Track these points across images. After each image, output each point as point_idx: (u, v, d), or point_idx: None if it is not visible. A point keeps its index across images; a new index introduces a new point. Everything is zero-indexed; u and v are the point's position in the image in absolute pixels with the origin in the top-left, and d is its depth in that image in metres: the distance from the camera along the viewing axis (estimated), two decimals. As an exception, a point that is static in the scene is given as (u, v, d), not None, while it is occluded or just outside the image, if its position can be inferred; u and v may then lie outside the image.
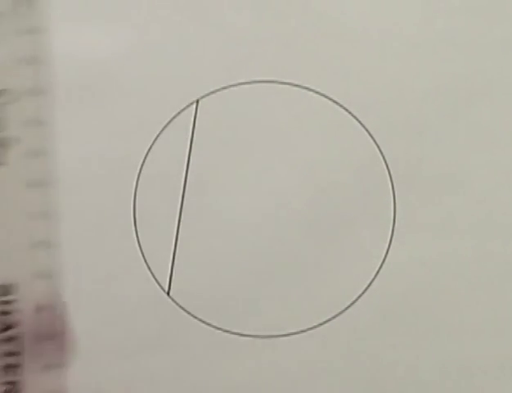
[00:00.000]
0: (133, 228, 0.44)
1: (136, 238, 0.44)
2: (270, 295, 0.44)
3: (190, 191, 0.44)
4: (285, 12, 0.44)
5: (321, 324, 0.44)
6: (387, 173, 0.44)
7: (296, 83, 0.44)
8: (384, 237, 0.44)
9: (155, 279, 0.44)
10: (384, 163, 0.45)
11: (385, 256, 0.44)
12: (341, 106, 0.45)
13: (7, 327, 0.43)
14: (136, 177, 0.44)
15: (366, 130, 0.45)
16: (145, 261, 0.44)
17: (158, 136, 0.44)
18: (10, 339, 0.43)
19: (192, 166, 0.44)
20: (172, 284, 0.44)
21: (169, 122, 0.44)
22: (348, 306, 0.44)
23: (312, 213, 0.44)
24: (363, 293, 0.44)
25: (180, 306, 0.44)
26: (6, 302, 0.43)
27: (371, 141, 0.45)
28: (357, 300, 0.44)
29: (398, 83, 0.45)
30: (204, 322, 0.44)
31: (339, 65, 0.45)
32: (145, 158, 0.44)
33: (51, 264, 0.43)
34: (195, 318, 0.44)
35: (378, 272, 0.44)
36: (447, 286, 0.44)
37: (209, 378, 0.44)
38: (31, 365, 0.43)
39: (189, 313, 0.44)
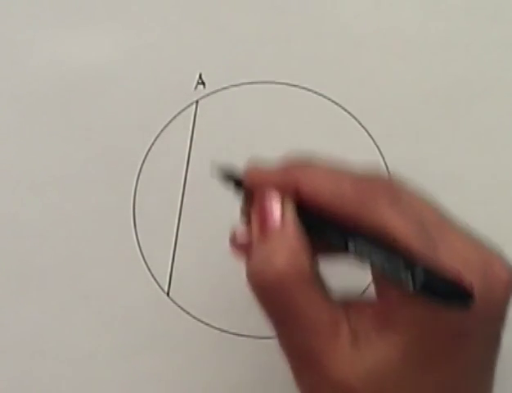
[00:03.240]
0: (133, 228, 0.44)
1: (136, 238, 0.44)
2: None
3: (190, 191, 0.44)
4: (285, 13, 0.45)
5: (320, 324, 0.44)
6: (386, 173, 0.44)
7: (295, 83, 0.45)
8: (383, 237, 0.44)
9: (155, 279, 0.44)
10: (383, 164, 0.45)
11: (385, 256, 0.44)
12: (341, 107, 0.45)
13: None
14: (136, 177, 0.44)
15: (366, 131, 0.45)
16: (145, 261, 0.44)
17: (158, 136, 0.44)
18: None
19: (192, 166, 0.44)
20: (171, 284, 0.44)
21: (169, 122, 0.44)
22: (348, 306, 0.44)
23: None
24: (363, 293, 0.44)
25: (179, 306, 0.44)
26: None
27: (371, 142, 0.45)
28: (356, 300, 0.44)
29: (398, 84, 0.45)
30: (202, 322, 0.44)
31: (340, 66, 0.45)
32: (145, 158, 0.44)
33: None
34: (194, 318, 0.44)
35: (378, 272, 0.44)
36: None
37: (207, 377, 0.44)
38: None
39: (188, 313, 0.44)
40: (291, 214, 0.35)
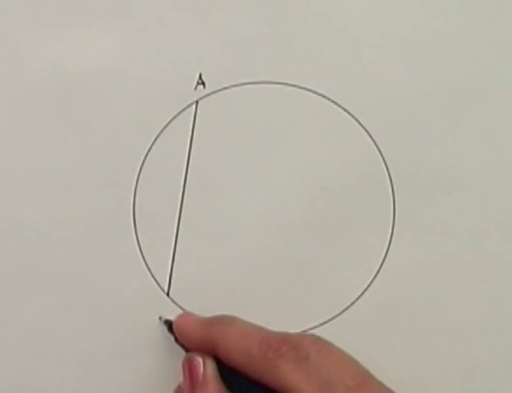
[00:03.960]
0: (133, 228, 0.44)
1: (136, 238, 0.44)
2: (270, 296, 0.44)
3: (190, 191, 0.44)
4: (284, 13, 0.44)
5: (321, 324, 0.44)
6: (386, 174, 0.44)
7: (295, 83, 0.45)
8: (383, 237, 0.44)
9: (155, 279, 0.44)
10: (383, 164, 0.45)
11: (385, 256, 0.44)
12: (341, 107, 0.45)
13: None
14: (136, 177, 0.44)
15: (366, 131, 0.45)
16: (145, 261, 0.44)
17: (158, 136, 0.44)
18: None
19: (192, 166, 0.44)
20: (171, 284, 0.44)
21: (169, 122, 0.44)
22: (348, 306, 0.44)
23: (312, 213, 0.44)
24: (363, 293, 0.44)
25: (179, 306, 0.44)
26: None
27: (371, 142, 0.45)
28: (357, 300, 0.44)
29: (398, 84, 0.45)
30: (203, 322, 0.44)
31: (340, 66, 0.45)
32: (145, 158, 0.44)
33: None
34: (195, 318, 0.44)
35: (378, 272, 0.44)
36: (446, 286, 0.44)
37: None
38: None
39: (188, 313, 0.44)
40: (212, 372, 0.40)
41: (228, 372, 0.39)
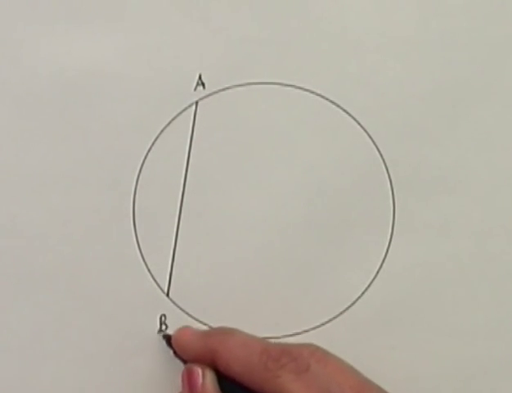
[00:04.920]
0: (133, 228, 0.44)
1: (136, 238, 0.44)
2: (270, 296, 0.44)
3: (190, 191, 0.44)
4: (284, 14, 0.45)
5: (322, 324, 0.44)
6: (386, 174, 0.45)
7: (294, 83, 0.45)
8: (383, 237, 0.44)
9: (155, 280, 0.44)
10: (383, 164, 0.45)
11: (385, 257, 0.44)
12: (341, 107, 0.45)
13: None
14: (136, 177, 0.44)
15: (366, 131, 0.45)
16: (145, 262, 0.44)
17: (158, 136, 0.44)
18: None
19: (192, 166, 0.44)
20: (171, 284, 0.44)
21: (169, 123, 0.44)
22: (348, 306, 0.44)
23: (312, 214, 0.44)
24: (363, 293, 0.44)
25: (179, 307, 0.44)
26: None
27: (370, 142, 0.45)
28: (357, 300, 0.44)
29: (397, 84, 0.45)
30: (202, 322, 0.44)
31: (339, 67, 0.45)
32: (145, 158, 0.44)
33: None
34: (194, 318, 0.44)
35: (378, 272, 0.44)
36: (446, 286, 0.44)
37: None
38: None
39: (188, 313, 0.44)
40: (211, 383, 0.40)
41: (227, 384, 0.40)
